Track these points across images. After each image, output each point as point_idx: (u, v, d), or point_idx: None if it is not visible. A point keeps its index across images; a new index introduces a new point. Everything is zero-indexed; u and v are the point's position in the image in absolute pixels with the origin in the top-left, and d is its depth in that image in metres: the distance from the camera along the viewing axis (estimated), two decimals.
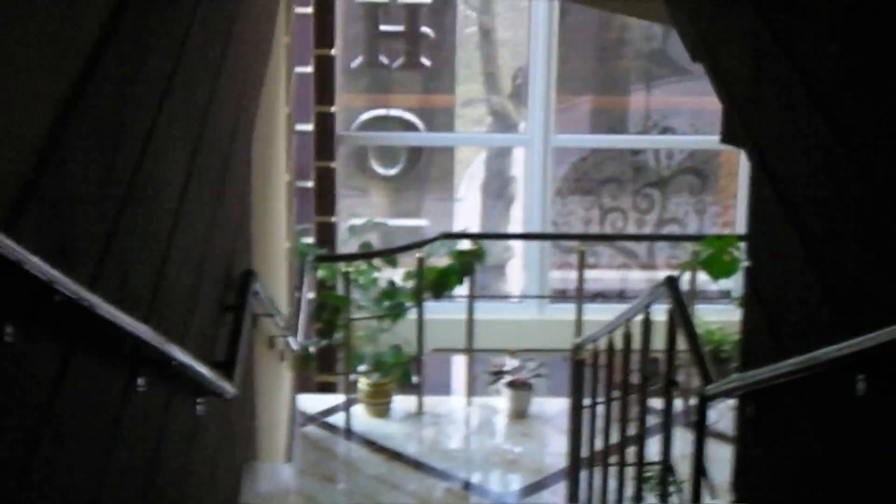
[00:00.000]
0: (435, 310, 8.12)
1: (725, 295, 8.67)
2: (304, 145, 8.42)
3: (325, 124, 8.73)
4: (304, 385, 8.19)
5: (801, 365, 2.44)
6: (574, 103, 9.82)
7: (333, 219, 8.89)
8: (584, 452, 6.15)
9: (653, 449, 4.97)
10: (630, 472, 5.15)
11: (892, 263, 2.03)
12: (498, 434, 7.77)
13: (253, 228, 4.61)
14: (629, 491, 5.14)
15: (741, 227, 9.11)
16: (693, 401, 5.32)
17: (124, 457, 2.29)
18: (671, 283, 4.46)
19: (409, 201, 10.26)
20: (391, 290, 8.00)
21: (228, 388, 3.34)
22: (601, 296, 9.67)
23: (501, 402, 8.03)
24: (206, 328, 3.37)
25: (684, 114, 9.76)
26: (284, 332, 5.69)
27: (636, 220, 9.72)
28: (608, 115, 10.04)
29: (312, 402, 7.99)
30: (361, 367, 7.88)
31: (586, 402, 6.13)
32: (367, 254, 8.18)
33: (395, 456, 7.26)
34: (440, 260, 8.04)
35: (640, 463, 4.90)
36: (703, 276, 7.61)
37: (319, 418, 7.79)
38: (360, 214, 9.17)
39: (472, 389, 8.14)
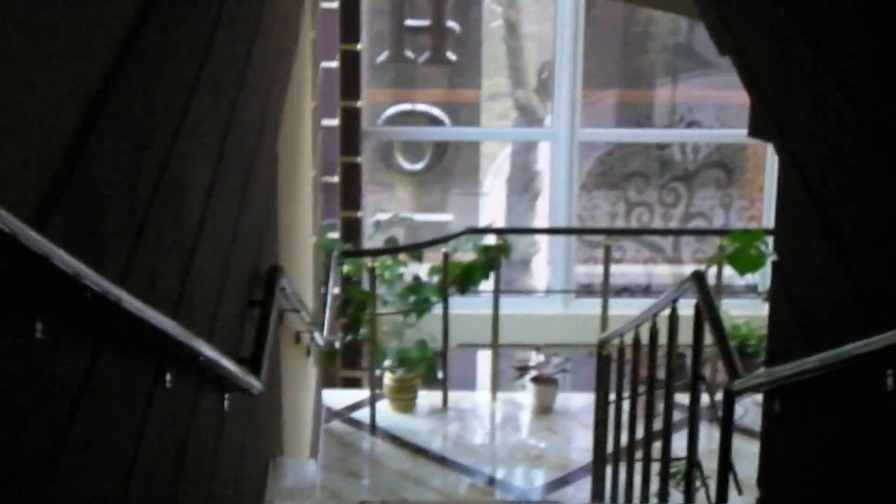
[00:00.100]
0: (460, 305, 8.13)
1: (752, 289, 8.65)
2: (330, 140, 8.44)
3: (351, 119, 8.74)
4: (329, 380, 8.22)
5: (829, 360, 2.44)
6: (599, 97, 9.80)
7: (359, 214, 8.90)
8: (609, 448, 6.15)
9: (678, 444, 4.96)
10: (655, 467, 5.14)
11: None
12: (522, 429, 7.78)
13: (279, 224, 4.62)
14: (654, 487, 5.14)
15: (768, 221, 9.09)
16: (719, 396, 5.31)
17: (152, 453, 2.30)
18: (698, 277, 4.45)
19: (435, 196, 10.26)
20: (416, 286, 8.02)
21: (255, 384, 3.35)
22: (627, 290, 9.66)
23: (526, 397, 8.04)
24: (232, 324, 3.38)
25: (710, 107, 9.73)
26: (310, 328, 5.70)
27: (662, 215, 9.69)
28: (633, 109, 10.03)
29: (337, 398, 8.02)
30: (386, 363, 7.90)
31: (612, 397, 6.13)
32: (392, 249, 8.20)
33: (420, 451, 7.27)
34: (465, 255, 8.05)
35: (666, 458, 4.89)
36: (729, 271, 7.60)
37: (344, 414, 7.81)
38: (385, 210, 9.18)
39: (497, 385, 8.15)
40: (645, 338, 5.25)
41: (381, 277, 7.97)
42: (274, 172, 4.43)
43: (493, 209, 10.26)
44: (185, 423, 2.68)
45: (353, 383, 8.81)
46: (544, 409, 7.89)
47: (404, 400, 7.87)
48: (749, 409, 6.82)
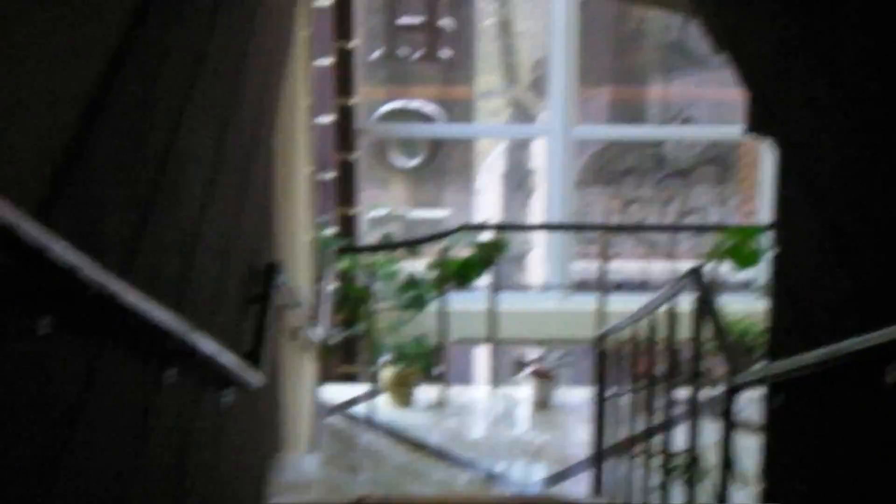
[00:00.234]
0: (457, 300, 8.13)
1: (747, 285, 8.65)
2: (325, 138, 8.43)
3: (346, 116, 8.73)
4: (326, 376, 8.20)
5: (829, 355, 2.43)
6: (592, 94, 9.80)
7: (354, 211, 8.89)
8: (608, 442, 6.15)
9: (677, 439, 4.95)
10: (655, 461, 5.13)
11: None
12: (521, 424, 7.77)
13: (276, 220, 4.61)
14: (654, 481, 5.13)
15: (763, 216, 9.09)
16: (718, 390, 5.30)
17: (154, 447, 2.29)
18: (696, 273, 4.44)
19: (430, 192, 10.26)
20: (413, 282, 8.01)
21: (255, 379, 3.35)
22: (623, 286, 9.66)
23: (524, 391, 8.03)
24: (231, 320, 3.37)
25: (703, 104, 9.74)
26: (307, 324, 5.69)
27: (658, 211, 9.69)
28: (626, 106, 10.03)
29: (335, 393, 8.01)
30: (384, 358, 7.89)
31: (610, 392, 6.12)
32: (388, 245, 8.19)
33: (418, 446, 7.26)
34: (462, 251, 8.04)
35: (666, 453, 4.88)
36: (725, 267, 7.59)
37: (342, 409, 7.80)
38: (380, 206, 9.17)
39: (495, 379, 8.15)
40: (643, 333, 5.25)
41: (378, 274, 7.97)
42: (270, 169, 4.43)
43: (488, 206, 10.26)
44: (187, 418, 2.67)
45: (351, 378, 8.80)
46: (542, 403, 7.88)
47: (402, 395, 7.86)
48: (750, 403, 6.82)
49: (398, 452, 7.17)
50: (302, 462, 5.78)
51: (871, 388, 2.27)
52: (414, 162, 9.99)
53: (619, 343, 5.90)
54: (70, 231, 1.67)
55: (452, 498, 6.41)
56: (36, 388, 1.58)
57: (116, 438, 2.02)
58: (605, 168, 9.69)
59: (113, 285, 1.73)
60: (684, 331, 4.66)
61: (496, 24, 10.24)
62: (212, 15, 2.93)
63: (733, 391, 3.91)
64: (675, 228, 9.77)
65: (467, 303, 8.34)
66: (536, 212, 9.94)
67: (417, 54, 9.75)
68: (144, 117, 2.18)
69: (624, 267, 9.76)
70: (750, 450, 4.11)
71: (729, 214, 9.67)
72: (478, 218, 9.58)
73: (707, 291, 4.33)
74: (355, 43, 8.66)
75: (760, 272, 8.34)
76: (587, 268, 9.58)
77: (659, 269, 9.86)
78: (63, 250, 1.49)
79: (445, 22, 9.78)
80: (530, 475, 6.98)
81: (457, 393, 8.07)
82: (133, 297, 1.85)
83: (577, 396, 8.00)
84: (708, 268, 7.15)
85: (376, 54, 9.69)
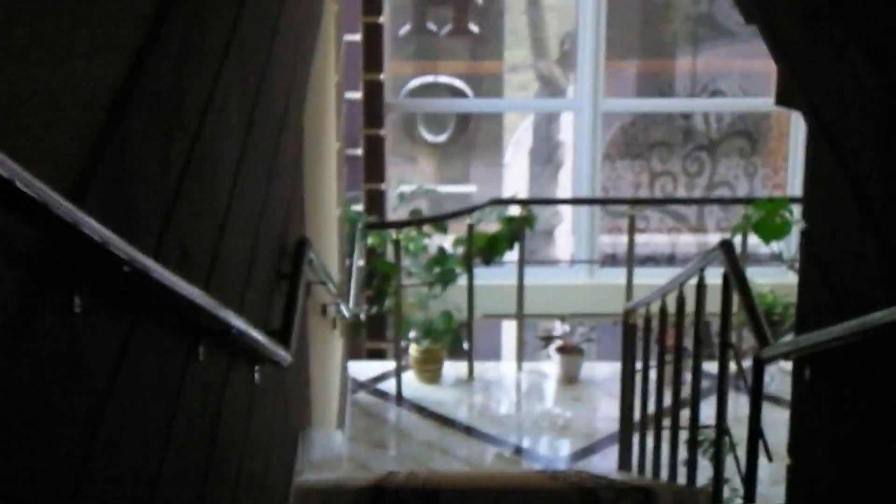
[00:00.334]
0: (485, 276, 8.14)
1: (777, 257, 8.62)
2: (353, 113, 8.44)
3: (374, 92, 8.74)
4: (354, 352, 8.24)
5: (859, 328, 2.43)
6: (620, 67, 9.77)
7: (383, 186, 8.90)
8: (636, 417, 6.16)
9: (704, 413, 4.96)
10: (682, 436, 5.14)
11: None
12: (548, 399, 7.79)
13: (305, 196, 4.63)
14: (681, 455, 5.14)
15: (792, 189, 9.06)
16: (746, 364, 5.30)
17: (186, 425, 2.31)
18: (726, 246, 4.43)
19: (458, 168, 10.26)
20: (441, 257, 8.02)
21: (285, 356, 3.36)
22: (651, 260, 9.65)
23: (552, 367, 8.05)
24: (262, 296, 3.39)
25: (732, 77, 9.69)
26: (336, 300, 5.71)
27: (686, 184, 9.67)
28: (655, 78, 9.99)
29: (363, 369, 8.04)
30: (412, 334, 7.91)
31: (638, 366, 6.13)
32: (416, 220, 8.20)
33: (446, 422, 7.29)
34: (490, 226, 8.05)
35: (694, 426, 4.89)
36: (753, 239, 7.58)
37: (370, 385, 7.84)
38: (409, 181, 9.18)
39: (523, 355, 8.16)
40: (672, 307, 5.25)
41: (406, 249, 7.98)
42: (300, 146, 4.44)
43: (515, 180, 10.25)
44: (218, 395, 2.69)
45: (379, 355, 8.84)
46: (570, 378, 7.90)
47: (430, 371, 7.89)
48: (775, 377, 6.82)
49: (426, 428, 7.20)
50: (330, 439, 5.81)
51: None
52: (442, 137, 9.99)
53: (647, 317, 5.90)
54: (105, 210, 1.68)
55: (480, 473, 6.43)
56: (72, 364, 1.60)
57: (149, 414, 2.04)
58: (633, 141, 9.66)
59: (146, 262, 1.75)
60: (713, 304, 4.66)
61: None
62: None
63: (762, 364, 3.91)
64: (703, 201, 9.74)
65: (495, 278, 8.36)
66: (564, 186, 9.93)
67: (446, 29, 9.74)
68: (177, 96, 2.19)
69: (652, 240, 9.75)
70: (778, 424, 4.12)
71: (757, 187, 9.63)
72: (506, 193, 9.57)
73: (737, 264, 4.33)
74: (384, 18, 8.66)
75: (789, 245, 8.32)
76: (615, 242, 9.58)
77: (687, 242, 9.84)
78: (96, 226, 1.51)
79: None
80: (557, 450, 7.01)
81: (484, 368, 8.10)
82: (166, 274, 1.86)
83: (604, 371, 8.02)
84: (737, 240, 7.15)
85: (405, 29, 9.68)
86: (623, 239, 8.44)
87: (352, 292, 6.88)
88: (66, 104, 1.59)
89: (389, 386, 7.79)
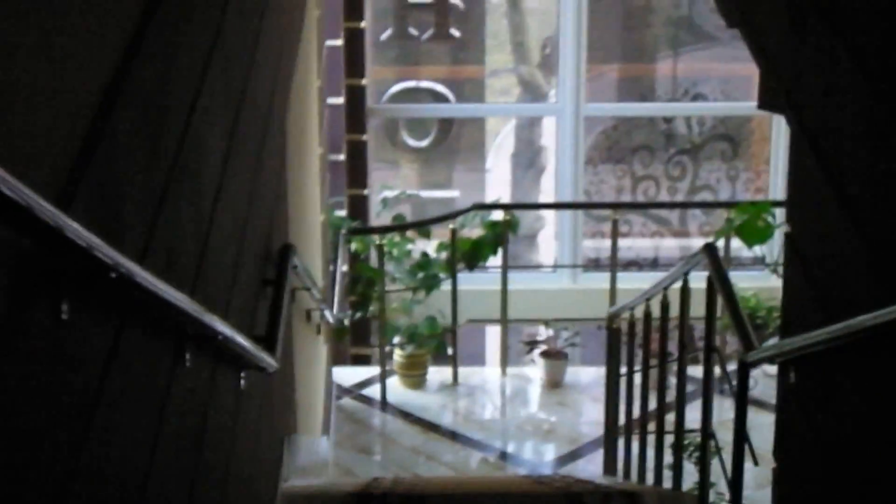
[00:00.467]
0: (469, 281, 8.14)
1: (759, 261, 8.65)
2: (336, 118, 8.43)
3: (356, 97, 8.73)
4: (339, 358, 8.23)
5: (843, 331, 2.43)
6: (602, 71, 9.78)
7: (366, 191, 8.90)
8: (621, 421, 6.16)
9: (689, 417, 4.96)
10: (668, 440, 5.15)
11: None
12: (533, 404, 7.80)
13: (289, 202, 4.62)
14: (667, 459, 5.14)
15: (774, 192, 9.08)
16: (730, 367, 5.31)
17: (174, 431, 2.31)
18: (710, 250, 4.44)
19: (441, 173, 10.26)
20: (425, 262, 8.02)
21: (270, 362, 3.36)
22: (634, 264, 9.67)
23: (536, 371, 8.05)
24: (247, 302, 3.39)
25: (713, 80, 9.71)
26: (321, 306, 5.71)
27: (668, 188, 9.69)
28: (636, 82, 10.01)
29: (348, 375, 8.03)
30: (396, 339, 7.91)
31: (622, 370, 6.13)
32: (400, 226, 8.20)
33: (431, 427, 7.29)
34: (473, 231, 8.05)
35: (679, 430, 4.89)
36: (736, 243, 7.60)
37: (355, 391, 7.83)
38: (391, 187, 9.18)
39: (507, 359, 8.16)
40: (656, 311, 5.25)
41: (390, 254, 7.98)
42: (283, 151, 4.43)
43: (498, 185, 10.26)
44: (205, 401, 2.69)
45: (363, 360, 8.83)
46: (554, 383, 7.90)
47: (414, 376, 7.88)
48: (759, 381, 6.83)
49: (410, 434, 7.20)
50: (316, 444, 5.81)
51: (889, 363, 2.28)
52: (424, 142, 9.99)
53: (632, 321, 5.91)
54: (92, 215, 1.68)
55: (465, 478, 6.43)
56: (60, 370, 1.59)
57: (137, 420, 2.04)
58: (616, 146, 9.68)
59: (133, 267, 1.75)
60: (696, 308, 4.67)
61: (505, 2, 10.22)
62: None
63: (747, 368, 3.92)
64: (685, 205, 9.77)
65: (479, 283, 8.36)
66: (547, 190, 9.93)
67: (427, 34, 9.74)
68: (161, 101, 2.19)
69: (635, 245, 9.76)
70: (763, 427, 4.13)
71: (739, 191, 9.66)
72: (489, 197, 9.58)
73: (721, 268, 4.33)
74: (365, 23, 8.66)
75: (772, 248, 8.34)
76: (598, 246, 9.59)
77: (670, 246, 9.86)
78: (82, 231, 1.50)
79: (455, 1, 9.76)
80: (542, 455, 7.01)
81: (468, 373, 8.09)
82: (152, 280, 1.86)
83: (588, 375, 8.02)
84: (719, 244, 7.17)
85: (386, 34, 9.68)
86: (606, 243, 8.46)
87: (336, 298, 6.87)
88: (53, 107, 1.59)
89: (374, 391, 7.78)
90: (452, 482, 5.83)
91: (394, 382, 7.84)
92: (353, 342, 8.76)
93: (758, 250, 7.99)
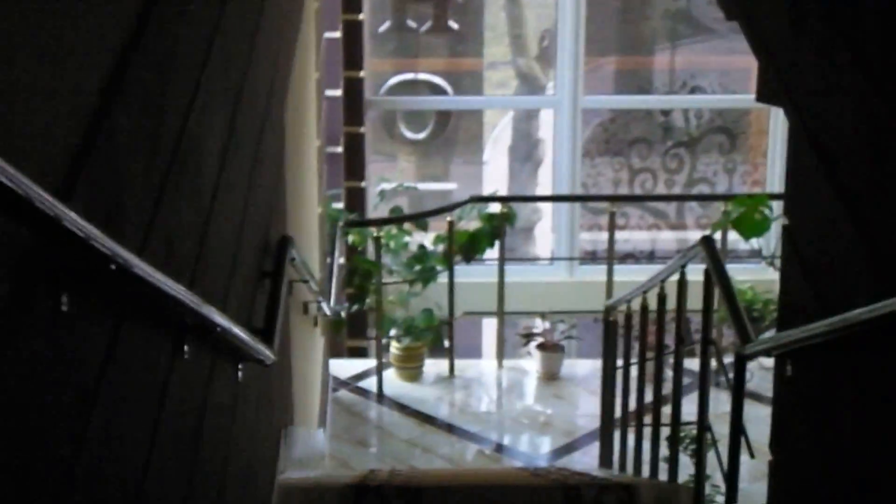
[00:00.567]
0: (465, 273, 8.14)
1: (756, 254, 8.66)
2: (334, 111, 8.43)
3: (354, 89, 8.73)
4: (335, 350, 8.23)
5: (842, 324, 2.44)
6: (599, 64, 9.78)
7: (363, 184, 8.90)
8: (617, 414, 6.17)
9: (685, 409, 4.97)
10: (664, 432, 5.15)
11: None
12: (529, 396, 7.80)
13: (287, 194, 4.62)
14: (663, 451, 5.15)
15: (771, 185, 9.09)
16: (726, 360, 5.32)
17: (173, 422, 2.31)
18: (708, 242, 4.45)
19: (438, 165, 10.26)
20: (422, 255, 8.02)
21: (268, 354, 3.36)
22: (631, 256, 9.67)
23: (532, 364, 8.05)
24: (245, 294, 3.39)
25: (711, 73, 9.72)
26: (318, 298, 5.71)
27: (665, 181, 9.69)
28: (634, 75, 10.01)
29: (344, 367, 8.04)
30: (393, 332, 7.91)
31: (619, 363, 6.14)
32: (397, 218, 8.20)
33: (427, 419, 7.29)
34: (470, 223, 8.05)
35: (675, 423, 4.90)
36: (733, 236, 7.60)
37: (351, 383, 7.84)
38: (389, 179, 9.18)
39: (503, 352, 8.17)
40: (653, 303, 5.26)
41: (387, 247, 7.98)
42: (281, 143, 4.44)
43: (495, 178, 10.26)
44: (203, 392, 2.69)
45: (360, 352, 8.83)
46: (550, 375, 7.91)
47: (411, 368, 7.89)
48: (756, 373, 6.84)
49: (407, 426, 7.20)
50: (313, 436, 5.81)
51: (885, 356, 2.28)
52: (422, 134, 9.99)
53: (628, 314, 5.92)
54: (90, 207, 1.68)
55: (461, 471, 6.44)
56: (60, 362, 1.60)
57: (136, 411, 2.04)
58: (613, 138, 9.68)
59: (132, 259, 1.75)
60: (693, 301, 4.67)
61: None
62: None
63: (743, 361, 3.93)
64: (682, 198, 9.77)
65: (476, 275, 8.37)
66: (544, 183, 9.94)
67: (425, 26, 9.73)
68: (161, 95, 2.20)
69: (632, 237, 9.77)
70: (759, 420, 4.13)
71: (737, 184, 9.67)
72: (486, 190, 9.58)
73: (718, 261, 4.34)
74: (363, 15, 8.66)
75: (768, 241, 8.35)
76: (595, 239, 9.60)
77: (666, 239, 9.87)
78: (81, 222, 1.50)
79: None
80: (538, 447, 7.02)
81: (465, 366, 8.10)
82: (151, 271, 1.86)
83: (585, 368, 8.03)
84: (716, 237, 7.17)
85: (384, 26, 9.67)
86: (603, 236, 8.47)
87: (333, 290, 6.87)
88: (53, 101, 1.59)
89: (370, 384, 7.79)
90: (449, 474, 5.84)
91: (390, 375, 7.84)
92: (349, 334, 8.77)
93: (754, 243, 8.00)
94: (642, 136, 9.67)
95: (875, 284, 2.32)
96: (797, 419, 3.02)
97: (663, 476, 5.11)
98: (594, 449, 6.66)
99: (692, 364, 6.47)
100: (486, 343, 10.02)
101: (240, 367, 3.18)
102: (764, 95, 3.26)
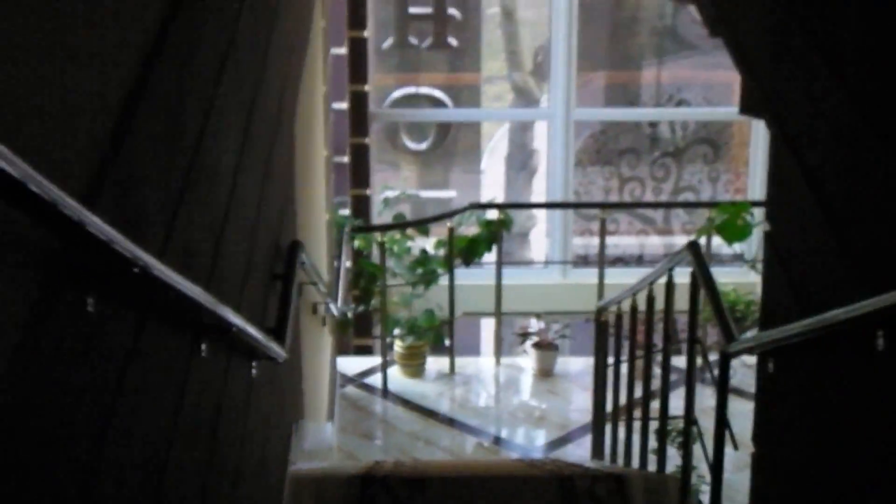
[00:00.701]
0: (465, 276, 8.15)
1: (738, 258, 8.66)
2: (340, 122, 8.43)
3: (359, 102, 8.74)
4: (342, 348, 8.23)
5: (820, 324, 2.44)
6: (591, 78, 9.79)
7: (368, 191, 8.90)
8: (608, 408, 6.17)
9: (673, 404, 4.97)
10: (652, 426, 5.15)
11: None
12: (525, 392, 7.80)
13: (297, 201, 4.62)
14: (651, 444, 5.15)
15: (753, 193, 9.09)
16: (711, 358, 5.32)
17: (191, 417, 2.31)
18: (694, 247, 4.45)
19: (438, 174, 10.26)
20: (423, 258, 8.03)
21: (280, 352, 3.36)
22: (621, 260, 9.68)
23: (528, 361, 8.06)
24: (258, 296, 3.39)
25: (695, 87, 9.72)
26: (326, 299, 5.71)
27: (653, 189, 9.70)
28: (623, 89, 10.01)
29: (351, 365, 8.04)
30: (396, 331, 7.92)
31: (609, 360, 6.14)
32: (400, 224, 8.21)
33: (429, 413, 7.29)
34: (469, 229, 8.06)
35: (663, 417, 4.90)
36: (716, 240, 7.61)
37: (358, 379, 7.84)
38: (392, 187, 9.18)
39: (501, 350, 8.17)
40: (642, 304, 5.26)
41: (391, 251, 7.98)
42: (292, 153, 4.44)
43: (492, 186, 10.27)
44: (219, 389, 2.69)
45: (366, 351, 8.83)
46: (545, 372, 7.91)
47: (414, 366, 7.89)
48: (738, 370, 6.84)
49: (410, 420, 7.20)
50: (322, 430, 5.81)
51: (863, 353, 2.28)
52: (423, 145, 9.99)
53: (619, 314, 5.92)
54: (114, 213, 1.69)
55: (461, 462, 6.44)
56: (86, 360, 1.60)
57: (157, 407, 2.04)
58: (603, 149, 9.69)
59: (153, 262, 1.75)
60: (680, 302, 4.67)
61: (500, 12, 10.22)
62: (238, 7, 2.94)
63: (728, 358, 3.93)
64: (669, 205, 9.78)
65: (474, 278, 8.37)
66: (539, 191, 9.94)
67: (426, 43, 9.74)
68: (180, 104, 2.20)
69: (621, 242, 9.77)
70: (741, 414, 4.13)
71: (720, 191, 9.67)
72: (484, 197, 9.58)
73: (704, 264, 4.34)
74: (368, 32, 8.66)
75: (750, 246, 8.35)
76: (587, 243, 9.60)
77: (654, 243, 9.87)
78: (102, 225, 1.50)
79: (453, 12, 9.77)
80: (534, 440, 7.02)
81: (464, 363, 8.10)
82: (171, 274, 1.87)
83: (577, 365, 8.03)
84: (700, 242, 7.17)
85: (388, 43, 9.68)
86: (594, 241, 8.48)
87: (340, 292, 6.87)
88: (79, 109, 1.59)
89: (375, 380, 7.79)
90: (450, 465, 5.84)
91: (394, 371, 7.85)
92: (355, 334, 8.77)
93: (737, 247, 8.01)
94: (631, 147, 9.68)
95: (851, 287, 2.32)
96: (778, 413, 3.02)
97: (652, 467, 5.11)
98: (586, 441, 6.66)
99: (679, 361, 6.48)
100: (485, 342, 10.02)
101: (253, 364, 3.18)
102: (746, 108, 3.26)
